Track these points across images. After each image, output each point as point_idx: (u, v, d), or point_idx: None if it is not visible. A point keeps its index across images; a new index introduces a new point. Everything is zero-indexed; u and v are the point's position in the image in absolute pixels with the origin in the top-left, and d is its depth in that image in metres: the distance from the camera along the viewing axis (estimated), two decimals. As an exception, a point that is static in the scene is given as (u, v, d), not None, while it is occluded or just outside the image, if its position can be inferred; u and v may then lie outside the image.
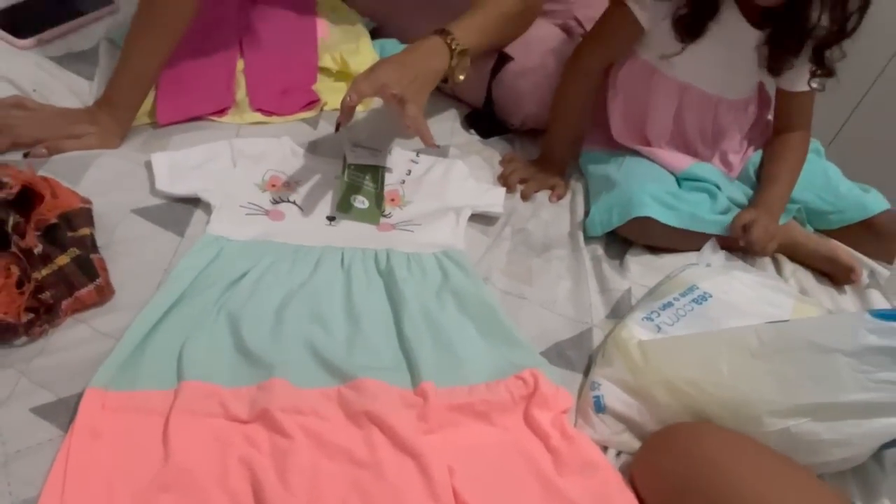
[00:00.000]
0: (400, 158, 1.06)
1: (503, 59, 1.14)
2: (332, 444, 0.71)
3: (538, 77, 1.14)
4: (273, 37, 1.15)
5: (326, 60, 1.16)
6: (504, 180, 1.10)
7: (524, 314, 0.92)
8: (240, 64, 1.11)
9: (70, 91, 1.02)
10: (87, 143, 0.94)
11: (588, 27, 1.15)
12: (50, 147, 0.92)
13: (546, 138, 1.15)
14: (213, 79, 1.07)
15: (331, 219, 0.96)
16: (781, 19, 0.99)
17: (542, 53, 1.15)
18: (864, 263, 1.13)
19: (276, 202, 0.95)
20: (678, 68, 1.06)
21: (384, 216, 0.98)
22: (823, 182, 1.15)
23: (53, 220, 0.79)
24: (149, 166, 0.93)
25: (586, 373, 0.87)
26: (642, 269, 1.02)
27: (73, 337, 0.75)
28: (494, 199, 1.05)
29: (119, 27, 1.10)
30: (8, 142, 0.90)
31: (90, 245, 0.80)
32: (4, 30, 1.06)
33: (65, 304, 0.75)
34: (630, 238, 1.05)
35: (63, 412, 0.69)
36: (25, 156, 0.91)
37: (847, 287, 1.11)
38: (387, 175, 1.02)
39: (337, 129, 0.95)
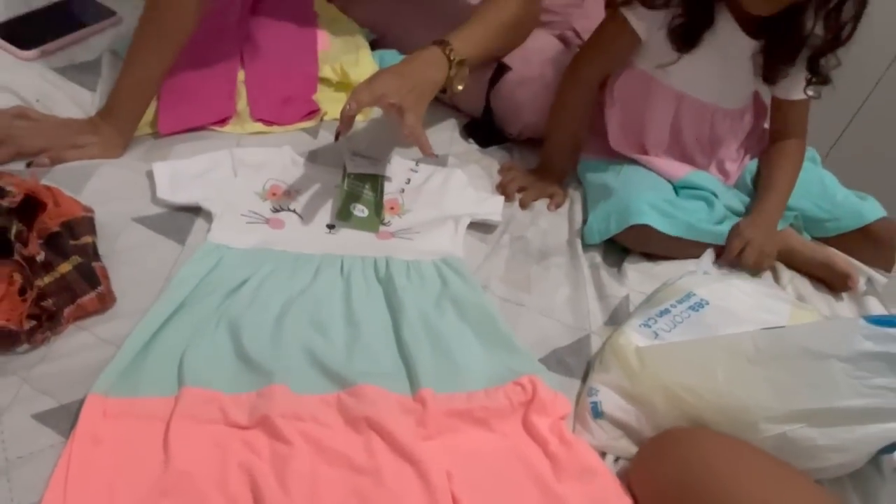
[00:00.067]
0: (399, 167, 1.07)
1: (501, 69, 1.15)
2: (331, 450, 0.71)
3: (536, 87, 1.15)
4: (274, 48, 1.17)
5: (326, 71, 1.17)
6: (503, 189, 1.11)
7: (523, 321, 0.92)
8: (241, 74, 1.12)
9: (73, 102, 1.03)
10: (90, 153, 0.95)
11: (586, 38, 1.16)
12: (52, 157, 0.92)
13: (544, 147, 1.16)
14: (214, 89, 1.08)
15: (330, 227, 0.96)
16: (776, 29, 1.00)
17: (540, 63, 1.17)
18: (862, 271, 1.14)
19: (276, 211, 0.96)
20: (674, 77, 1.07)
21: (383, 224, 0.98)
22: (820, 190, 1.16)
23: (56, 229, 0.80)
24: (150, 175, 0.94)
25: (584, 379, 0.88)
26: (640, 277, 1.03)
27: (74, 344, 0.76)
28: (493, 207, 1.05)
29: (122, 39, 1.11)
30: (11, 152, 0.91)
31: (92, 253, 0.81)
32: (8, 41, 1.07)
33: (67, 311, 0.76)
34: (627, 246, 1.06)
35: (64, 418, 0.70)
36: (28, 165, 0.92)
37: (844, 294, 1.11)
38: (386, 184, 1.03)
39: (337, 138, 0.95)
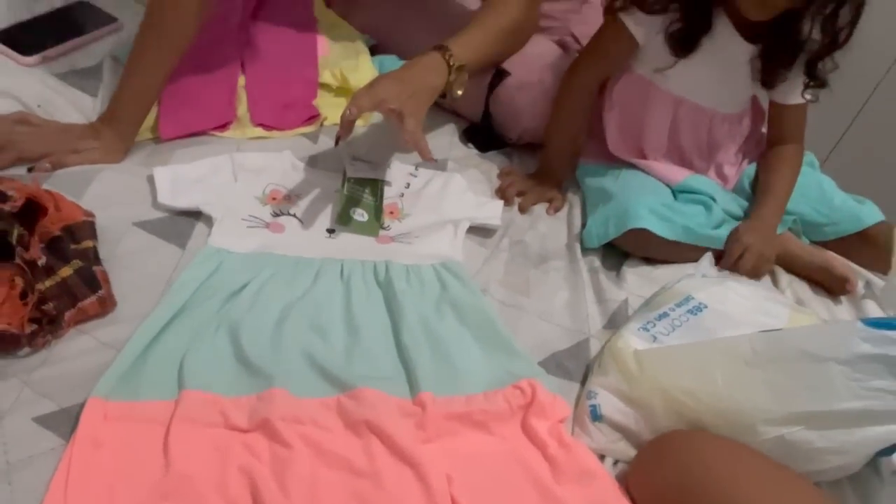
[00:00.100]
0: (399, 172, 1.07)
1: (500, 74, 1.16)
2: (331, 453, 0.71)
3: (535, 92, 1.16)
4: (274, 53, 1.17)
5: (326, 76, 1.17)
6: (502, 193, 1.11)
7: (522, 325, 0.93)
8: (241, 80, 1.13)
9: (74, 107, 1.03)
10: (91, 158, 0.95)
11: (584, 43, 1.17)
12: (54, 162, 0.93)
13: (543, 152, 1.16)
14: (214, 94, 1.09)
15: (330, 231, 0.97)
16: (774, 33, 1.01)
17: (539, 69, 1.17)
18: (860, 274, 1.14)
19: (276, 215, 0.97)
20: (673, 82, 1.08)
21: (383, 229, 0.99)
22: (818, 194, 1.16)
23: (57, 233, 0.80)
24: (151, 180, 0.95)
25: (583, 382, 0.88)
26: (639, 280, 1.03)
27: (75, 347, 0.76)
28: (492, 211, 1.06)
29: (123, 45, 1.12)
30: (13, 157, 0.92)
31: (93, 257, 0.81)
32: (10, 47, 1.08)
33: (68, 315, 0.76)
34: (626, 249, 1.07)
35: (65, 422, 0.70)
36: (30, 170, 0.92)
37: (843, 298, 1.12)
38: (386, 188, 1.04)
39: (337, 142, 0.96)
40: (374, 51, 1.25)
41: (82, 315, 0.78)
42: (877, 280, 1.14)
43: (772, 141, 1.16)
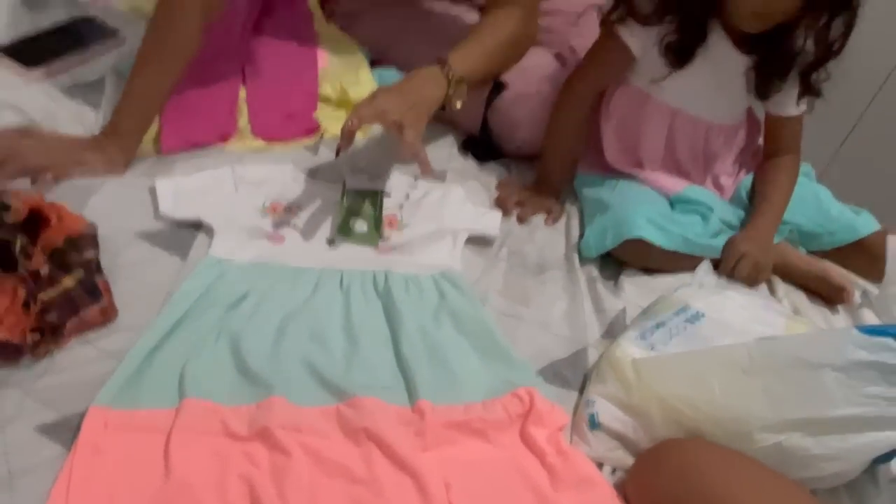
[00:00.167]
0: (398, 183, 1.08)
1: (498, 86, 1.17)
2: (330, 461, 0.72)
3: (533, 104, 1.17)
4: (275, 66, 1.19)
5: (326, 89, 1.19)
6: (500, 204, 1.12)
7: (520, 334, 0.93)
8: (242, 92, 1.14)
9: (77, 120, 1.04)
10: (93, 170, 0.96)
11: (581, 55, 1.18)
12: (57, 174, 0.94)
13: (541, 163, 1.17)
14: (216, 107, 1.10)
15: (330, 242, 0.98)
16: (768, 45, 1.02)
17: (536, 81, 1.18)
18: (857, 284, 1.14)
19: (276, 226, 0.97)
20: (669, 94, 1.09)
21: (383, 239, 0.99)
22: (815, 205, 1.17)
23: (60, 244, 0.81)
24: (153, 192, 0.96)
25: (581, 391, 0.88)
26: (637, 290, 1.03)
27: (77, 357, 0.77)
28: (491, 222, 1.07)
29: (125, 59, 1.13)
30: (16, 169, 0.92)
31: (95, 268, 0.82)
32: (15, 60, 1.09)
33: (69, 324, 0.77)
34: (624, 259, 1.07)
35: (66, 430, 0.70)
36: (33, 182, 0.93)
37: (840, 307, 1.12)
38: (385, 199, 1.05)
39: (337, 153, 0.97)
40: (373, 64, 1.26)
41: (84, 325, 0.78)
42: (873, 289, 1.14)
43: (768, 152, 1.16)
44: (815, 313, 1.10)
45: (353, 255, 0.96)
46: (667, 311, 0.92)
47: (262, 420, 0.73)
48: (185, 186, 0.97)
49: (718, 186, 1.17)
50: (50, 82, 1.09)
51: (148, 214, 0.94)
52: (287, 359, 0.80)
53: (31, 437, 0.70)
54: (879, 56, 1.79)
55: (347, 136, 0.93)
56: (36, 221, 0.82)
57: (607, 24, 1.06)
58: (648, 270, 1.07)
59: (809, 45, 1.00)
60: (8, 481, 0.66)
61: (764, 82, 1.05)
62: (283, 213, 0.99)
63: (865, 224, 1.15)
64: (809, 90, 1.05)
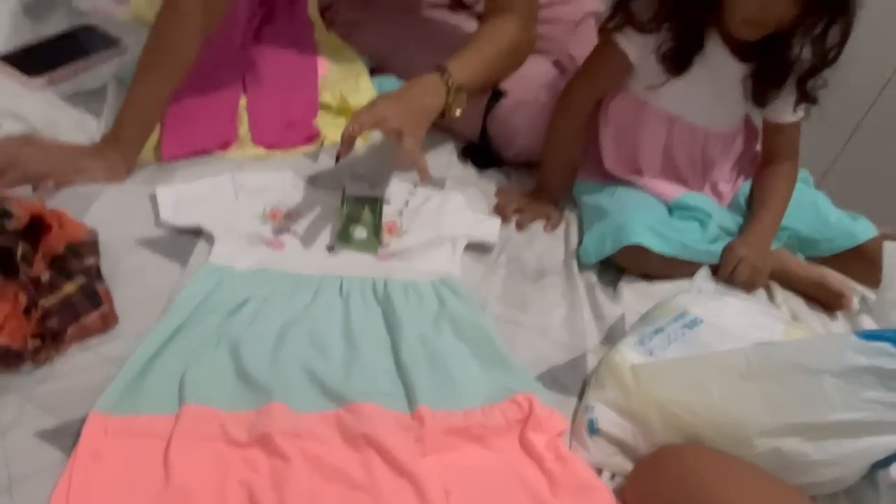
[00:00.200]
0: (398, 190, 1.08)
1: (497, 93, 1.18)
2: (329, 467, 0.72)
3: (532, 111, 1.17)
4: (275, 74, 1.19)
5: (326, 97, 1.19)
6: (499, 211, 1.12)
7: (519, 340, 0.93)
8: (243, 100, 1.15)
9: (78, 128, 1.05)
10: (94, 178, 0.97)
11: (580, 63, 1.18)
12: (58, 181, 0.94)
13: (540, 170, 1.18)
14: (216, 115, 1.11)
15: (330, 248, 0.98)
16: (765, 53, 1.02)
17: (535, 88, 1.19)
18: (856, 290, 1.15)
19: (276, 232, 0.98)
20: (666, 101, 1.09)
21: (382, 246, 1.00)
22: (813, 212, 1.17)
23: (61, 251, 0.81)
24: (153, 199, 0.96)
25: (580, 397, 0.88)
26: (636, 296, 1.04)
27: (77, 363, 0.77)
28: (490, 229, 1.07)
29: (127, 67, 1.13)
30: (18, 176, 0.93)
31: (95, 274, 0.83)
32: (16, 69, 1.10)
33: (70, 331, 0.77)
34: (623, 266, 1.08)
35: (67, 436, 0.71)
36: (34, 190, 0.93)
37: (839, 313, 1.12)
38: (385, 206, 1.05)
39: (337, 160, 0.97)
40: (373, 72, 1.27)
41: (84, 331, 0.79)
42: (871, 295, 1.14)
43: (766, 159, 1.17)
44: (814, 319, 1.10)
45: (352, 262, 0.96)
46: (665, 317, 0.93)
47: (261, 426, 0.73)
48: (185, 194, 0.98)
49: (717, 193, 1.18)
50: (52, 90, 1.10)
51: (148, 221, 0.95)
52: (287, 365, 0.80)
53: (31, 443, 0.70)
54: (878, 63, 1.80)
55: (347, 142, 0.93)
56: (37, 228, 0.82)
57: (605, 31, 1.07)
58: (647, 277, 1.07)
59: (806, 52, 1.01)
60: (8, 487, 0.66)
61: (761, 90, 1.06)
62: (283, 220, 1.00)
63: (863, 230, 1.15)
64: (806, 97, 1.05)
